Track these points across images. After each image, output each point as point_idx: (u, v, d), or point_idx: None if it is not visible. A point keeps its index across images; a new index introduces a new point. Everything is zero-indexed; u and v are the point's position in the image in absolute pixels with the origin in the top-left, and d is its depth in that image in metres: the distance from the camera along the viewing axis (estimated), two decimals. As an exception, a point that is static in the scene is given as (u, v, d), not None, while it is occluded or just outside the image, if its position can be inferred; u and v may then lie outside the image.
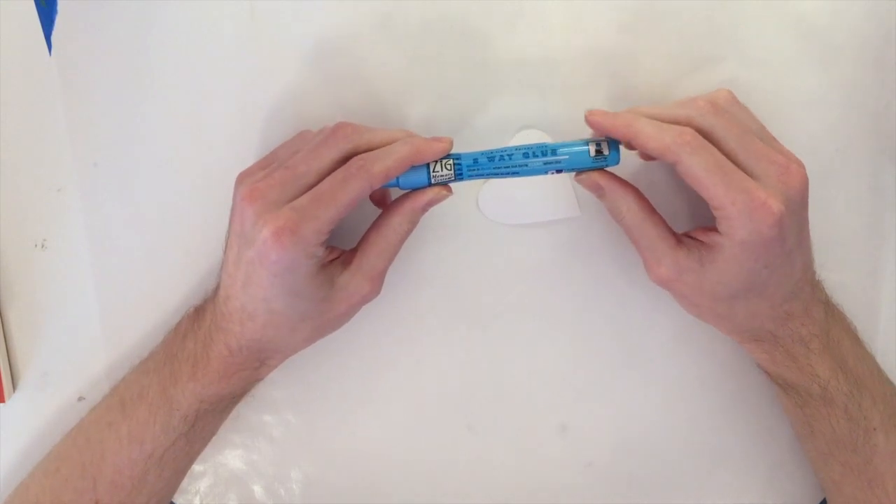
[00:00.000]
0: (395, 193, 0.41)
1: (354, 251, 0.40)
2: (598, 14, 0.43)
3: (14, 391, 0.46)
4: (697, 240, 0.38)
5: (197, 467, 0.46)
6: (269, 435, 0.47)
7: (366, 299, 0.40)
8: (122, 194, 0.45)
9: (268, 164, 0.39)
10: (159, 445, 0.40)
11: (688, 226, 0.43)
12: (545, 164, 0.38)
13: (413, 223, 0.39)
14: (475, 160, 0.38)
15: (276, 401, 0.46)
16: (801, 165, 0.36)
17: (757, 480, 0.47)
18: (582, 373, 0.46)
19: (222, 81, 0.44)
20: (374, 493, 0.47)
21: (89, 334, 0.46)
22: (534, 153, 0.38)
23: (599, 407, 0.46)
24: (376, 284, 0.40)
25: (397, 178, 0.38)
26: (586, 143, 0.38)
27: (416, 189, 0.38)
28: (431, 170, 0.38)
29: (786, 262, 0.36)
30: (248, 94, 0.43)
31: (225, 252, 0.39)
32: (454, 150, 0.38)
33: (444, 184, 0.38)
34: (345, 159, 0.37)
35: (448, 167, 0.38)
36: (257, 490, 0.47)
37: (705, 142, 0.35)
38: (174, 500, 0.45)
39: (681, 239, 0.39)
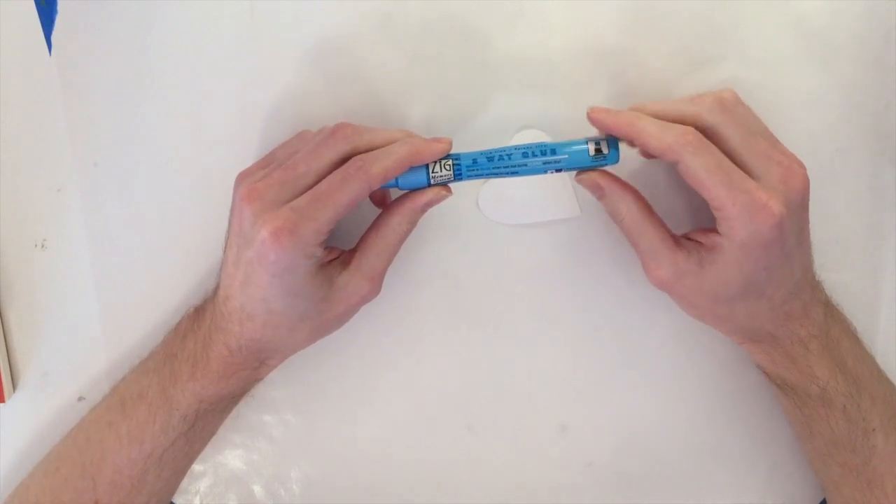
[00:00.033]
0: (394, 194, 0.41)
1: (354, 251, 0.40)
2: (598, 14, 0.43)
3: (14, 391, 0.46)
4: (697, 241, 0.38)
5: (197, 467, 0.46)
6: (269, 435, 0.47)
7: (365, 299, 0.40)
8: (122, 194, 0.45)
9: (267, 164, 0.39)
10: (159, 445, 0.40)
11: (687, 227, 0.43)
12: (544, 163, 0.38)
13: (412, 223, 0.39)
14: (474, 160, 0.38)
15: (276, 401, 0.46)
16: (802, 167, 0.36)
17: (757, 480, 0.46)
18: (582, 373, 0.46)
19: (222, 81, 0.44)
20: (374, 493, 0.47)
21: (89, 334, 0.46)
22: (533, 153, 0.38)
23: (599, 407, 0.46)
24: (376, 284, 0.40)
25: (396, 179, 0.38)
26: (585, 142, 0.38)
27: (415, 189, 0.38)
28: (431, 170, 0.38)
29: (785, 263, 0.36)
30: (248, 94, 0.43)
31: (224, 252, 0.39)
32: (453, 150, 0.38)
33: (444, 184, 0.38)
34: (344, 160, 0.37)
35: (447, 167, 0.38)
36: (257, 490, 0.47)
37: (707, 142, 0.35)
38: (174, 500, 0.45)
39: (680, 241, 0.39)
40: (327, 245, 0.38)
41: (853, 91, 0.43)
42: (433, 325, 0.46)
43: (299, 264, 0.36)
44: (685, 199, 0.44)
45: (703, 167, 0.35)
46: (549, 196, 0.44)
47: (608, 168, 0.38)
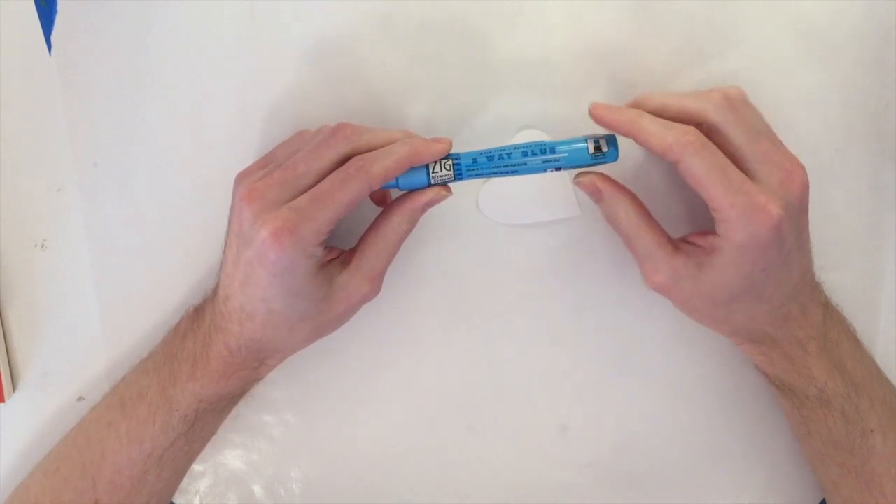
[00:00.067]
0: (394, 193, 0.41)
1: (353, 251, 0.40)
2: (598, 14, 0.43)
3: (14, 391, 0.46)
4: (695, 245, 0.38)
5: (197, 467, 0.46)
6: (269, 435, 0.47)
7: (365, 299, 0.40)
8: (122, 194, 0.45)
9: (266, 164, 0.39)
10: (159, 445, 0.40)
11: (685, 229, 0.43)
12: (544, 162, 0.38)
13: (412, 223, 0.39)
14: (474, 160, 0.38)
15: (276, 401, 0.46)
16: (803, 170, 0.36)
17: (757, 480, 0.47)
18: (582, 373, 0.46)
19: (222, 81, 0.44)
20: (374, 493, 0.47)
21: (89, 334, 0.46)
22: (532, 151, 0.38)
23: (599, 407, 0.46)
24: (375, 284, 0.40)
25: (396, 179, 0.38)
26: (585, 140, 0.38)
27: (415, 189, 0.38)
28: (431, 170, 0.38)
29: (784, 265, 0.36)
30: (248, 94, 0.43)
31: (224, 252, 0.39)
32: (453, 150, 0.38)
33: (444, 184, 0.38)
34: (344, 160, 0.37)
35: (447, 167, 0.38)
36: (257, 490, 0.47)
37: (708, 143, 0.35)
38: (174, 500, 0.45)
39: (678, 245, 0.39)
40: (327, 245, 0.38)
41: (853, 91, 0.43)
42: (433, 325, 0.46)
43: (299, 264, 0.36)
44: (684, 200, 0.44)
45: (702, 168, 0.34)
46: (548, 196, 0.44)
47: (607, 167, 0.38)
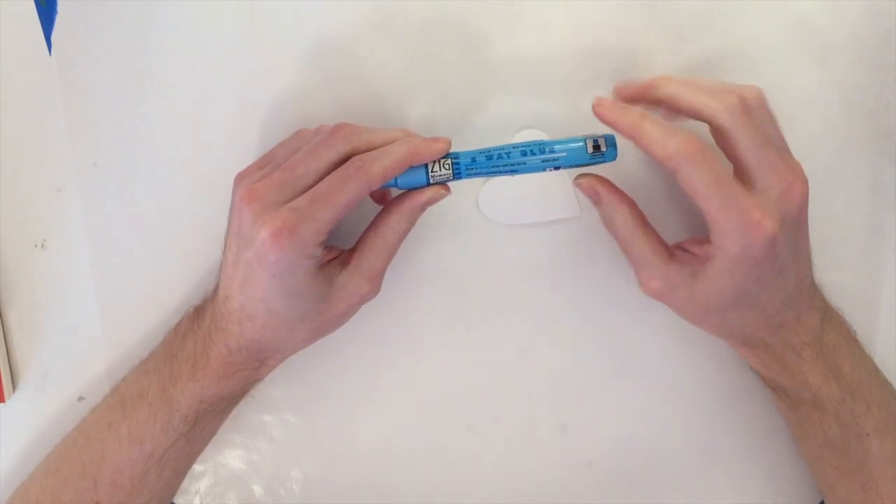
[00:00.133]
0: (394, 192, 0.41)
1: (353, 251, 0.40)
2: (598, 14, 0.43)
3: (14, 391, 0.46)
4: (690, 252, 0.38)
5: (197, 467, 0.46)
6: (269, 435, 0.47)
7: (365, 299, 0.40)
8: (122, 194, 0.45)
9: (265, 164, 0.39)
10: (159, 446, 0.40)
11: (683, 232, 0.43)
12: (543, 161, 0.38)
13: (411, 222, 0.39)
14: (473, 159, 0.38)
15: (276, 401, 0.46)
16: (804, 183, 0.36)
17: (757, 480, 0.46)
18: (582, 373, 0.46)
19: (222, 81, 0.44)
20: (374, 492, 0.47)
21: (89, 334, 0.46)
22: (531, 151, 0.38)
23: (599, 407, 0.46)
24: (375, 284, 0.40)
25: (395, 179, 0.38)
26: (584, 139, 0.38)
27: (414, 188, 0.38)
28: (430, 169, 0.38)
29: (777, 276, 0.36)
30: (248, 94, 0.43)
31: (224, 252, 0.39)
32: (452, 150, 0.38)
33: (443, 183, 0.38)
34: (343, 160, 0.37)
35: (446, 166, 0.38)
36: (257, 490, 0.47)
37: (708, 154, 0.34)
38: (174, 501, 0.45)
39: (673, 252, 0.39)
40: (327, 245, 0.38)
41: (853, 91, 0.43)
42: (433, 325, 0.46)
43: (299, 264, 0.36)
44: (683, 203, 0.44)
45: (700, 181, 0.34)
46: (548, 196, 0.44)
47: (608, 167, 0.38)
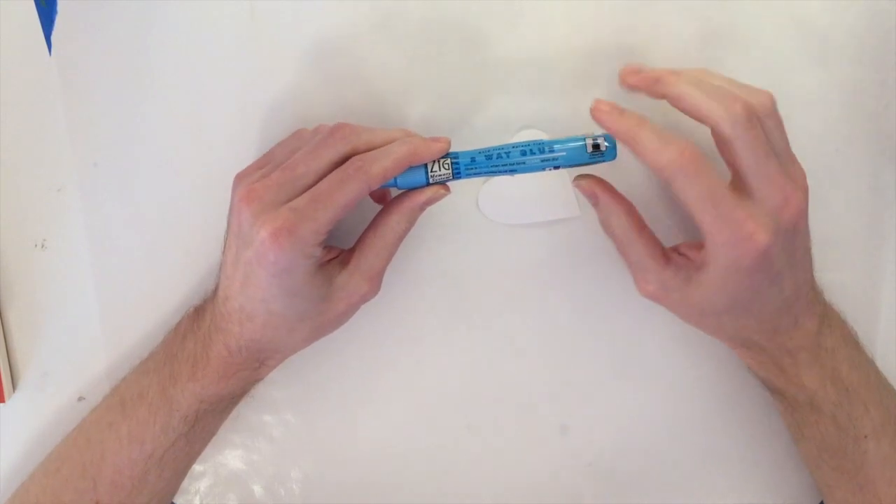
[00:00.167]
0: (394, 192, 0.41)
1: (352, 251, 0.40)
2: (598, 14, 0.43)
3: (14, 391, 0.46)
4: (686, 257, 0.38)
5: (197, 467, 0.46)
6: (269, 435, 0.47)
7: (364, 299, 0.40)
8: (122, 194, 0.45)
9: (264, 164, 0.39)
10: (159, 446, 0.40)
11: (680, 234, 0.43)
12: (542, 160, 0.38)
13: (411, 222, 0.39)
14: (472, 159, 0.38)
15: (276, 401, 0.46)
16: (803, 195, 0.35)
17: (757, 480, 0.46)
18: (582, 373, 0.46)
19: (222, 81, 0.44)
20: (374, 492, 0.47)
21: (89, 334, 0.46)
22: (531, 150, 0.38)
23: (599, 407, 0.46)
24: (375, 284, 0.40)
25: (395, 178, 0.38)
26: (583, 138, 0.38)
27: (413, 188, 0.38)
28: (429, 169, 0.38)
29: (772, 286, 0.36)
30: (248, 94, 0.44)
31: (223, 252, 0.39)
32: (452, 149, 0.38)
33: (442, 183, 0.38)
34: (343, 160, 0.37)
35: (446, 166, 0.38)
36: (257, 490, 0.47)
37: (703, 165, 0.33)
38: (174, 501, 0.45)
39: (669, 256, 0.38)
40: (326, 245, 0.38)
41: (853, 91, 0.43)
42: (433, 325, 0.46)
43: (298, 265, 0.36)
44: (680, 208, 0.44)
45: (693, 192, 0.33)
46: (548, 196, 0.44)
47: (607, 167, 0.38)
